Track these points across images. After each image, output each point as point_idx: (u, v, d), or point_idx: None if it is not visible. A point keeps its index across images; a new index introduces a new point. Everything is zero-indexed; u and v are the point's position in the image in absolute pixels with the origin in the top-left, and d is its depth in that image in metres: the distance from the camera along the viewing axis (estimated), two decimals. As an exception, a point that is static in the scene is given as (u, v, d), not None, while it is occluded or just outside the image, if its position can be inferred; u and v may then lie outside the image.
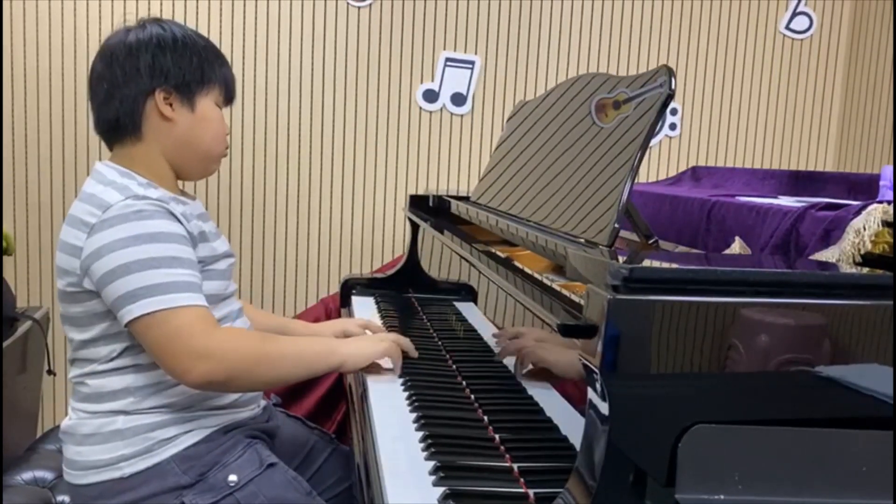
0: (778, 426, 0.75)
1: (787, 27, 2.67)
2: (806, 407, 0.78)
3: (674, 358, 0.75)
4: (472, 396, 1.22)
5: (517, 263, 1.23)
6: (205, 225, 1.24)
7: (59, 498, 1.34)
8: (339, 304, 2.05)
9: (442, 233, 1.70)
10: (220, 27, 2.43)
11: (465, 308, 1.66)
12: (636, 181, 1.06)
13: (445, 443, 1.02)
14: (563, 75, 2.58)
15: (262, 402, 1.34)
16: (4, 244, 1.93)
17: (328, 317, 2.09)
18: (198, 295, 1.12)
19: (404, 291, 2.01)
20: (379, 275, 2.09)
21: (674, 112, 2.67)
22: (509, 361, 1.24)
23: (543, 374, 1.12)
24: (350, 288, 2.03)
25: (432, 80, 2.56)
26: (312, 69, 2.50)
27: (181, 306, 1.09)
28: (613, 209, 1.03)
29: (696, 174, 1.97)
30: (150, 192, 1.16)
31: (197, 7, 2.42)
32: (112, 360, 1.17)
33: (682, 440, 0.73)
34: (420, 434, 1.05)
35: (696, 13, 2.64)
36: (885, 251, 0.97)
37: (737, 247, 1.16)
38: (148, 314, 1.08)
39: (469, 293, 1.66)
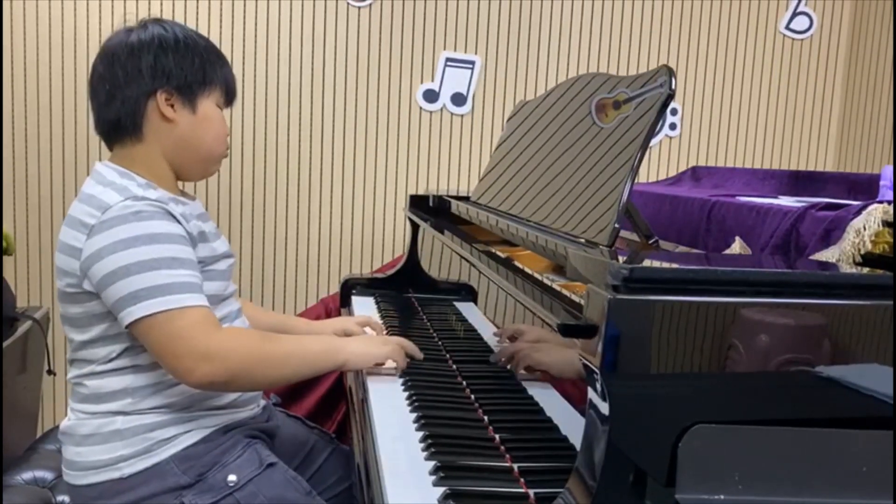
0: (778, 426, 0.75)
1: (787, 27, 2.67)
2: (806, 407, 0.78)
3: (674, 358, 0.75)
4: (472, 396, 1.22)
5: (517, 263, 1.23)
6: (204, 225, 1.24)
7: (59, 498, 1.34)
8: (339, 304, 2.04)
9: (442, 233, 1.70)
10: (220, 27, 2.43)
11: (465, 308, 1.66)
12: (636, 181, 1.06)
13: (445, 443, 1.02)
14: (563, 75, 2.58)
15: (262, 402, 1.34)
16: (4, 244, 1.93)
17: (328, 317, 2.09)
18: (199, 295, 1.12)
19: (404, 291, 2.01)
20: (379, 275, 2.09)
21: (674, 112, 2.67)
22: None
23: (543, 373, 1.12)
24: (350, 288, 2.03)
25: (432, 80, 2.56)
26: (312, 69, 2.50)
27: (183, 307, 1.09)
28: (613, 209, 1.03)
29: (696, 174, 1.97)
30: (149, 193, 1.15)
31: (197, 7, 2.42)
32: (111, 360, 1.17)
33: (682, 440, 0.73)
34: (420, 434, 1.05)
35: (696, 13, 2.64)
36: (885, 251, 0.97)
37: (737, 247, 1.16)
38: (149, 315, 1.08)
39: (469, 293, 1.66)
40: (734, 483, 0.75)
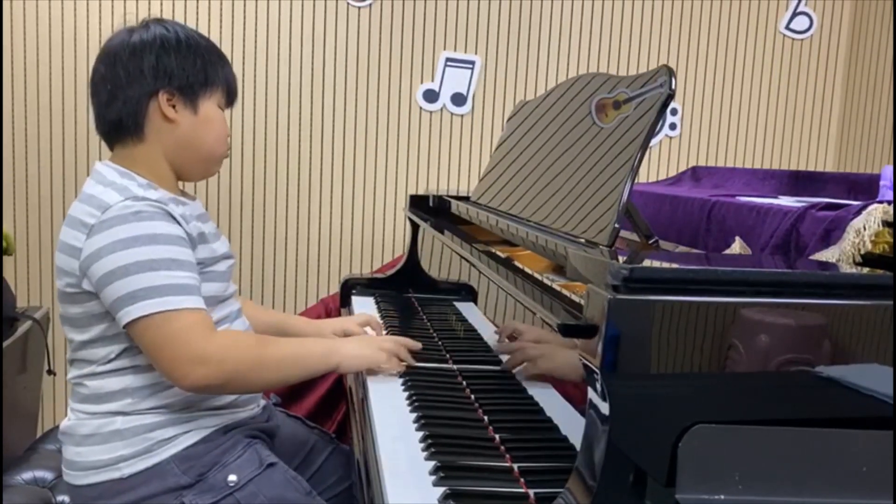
0: (778, 426, 0.75)
1: (787, 27, 2.67)
2: (806, 407, 0.78)
3: (674, 358, 0.75)
4: (472, 396, 1.22)
5: (517, 263, 1.23)
6: (204, 226, 1.24)
7: (59, 498, 1.34)
8: (339, 304, 2.05)
9: (442, 233, 1.70)
10: (221, 27, 2.43)
11: (465, 308, 1.66)
12: (636, 181, 1.06)
13: (445, 443, 1.02)
14: (563, 75, 2.59)
15: (262, 402, 1.34)
16: (4, 244, 1.93)
17: (328, 317, 2.09)
18: (196, 298, 1.12)
19: (404, 291, 2.01)
20: (379, 275, 2.09)
21: (674, 112, 2.68)
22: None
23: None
24: (350, 288, 2.03)
25: (432, 81, 2.56)
26: (312, 69, 2.50)
27: (179, 309, 1.09)
28: (614, 209, 1.03)
29: (696, 174, 1.97)
30: (149, 193, 1.15)
31: (197, 7, 2.42)
32: (111, 361, 1.17)
33: (682, 440, 0.73)
34: (420, 434, 1.05)
35: (696, 13, 2.64)
36: (885, 251, 0.97)
37: (737, 247, 1.16)
38: (146, 316, 1.08)
39: (469, 293, 1.66)
40: (734, 483, 0.75)
